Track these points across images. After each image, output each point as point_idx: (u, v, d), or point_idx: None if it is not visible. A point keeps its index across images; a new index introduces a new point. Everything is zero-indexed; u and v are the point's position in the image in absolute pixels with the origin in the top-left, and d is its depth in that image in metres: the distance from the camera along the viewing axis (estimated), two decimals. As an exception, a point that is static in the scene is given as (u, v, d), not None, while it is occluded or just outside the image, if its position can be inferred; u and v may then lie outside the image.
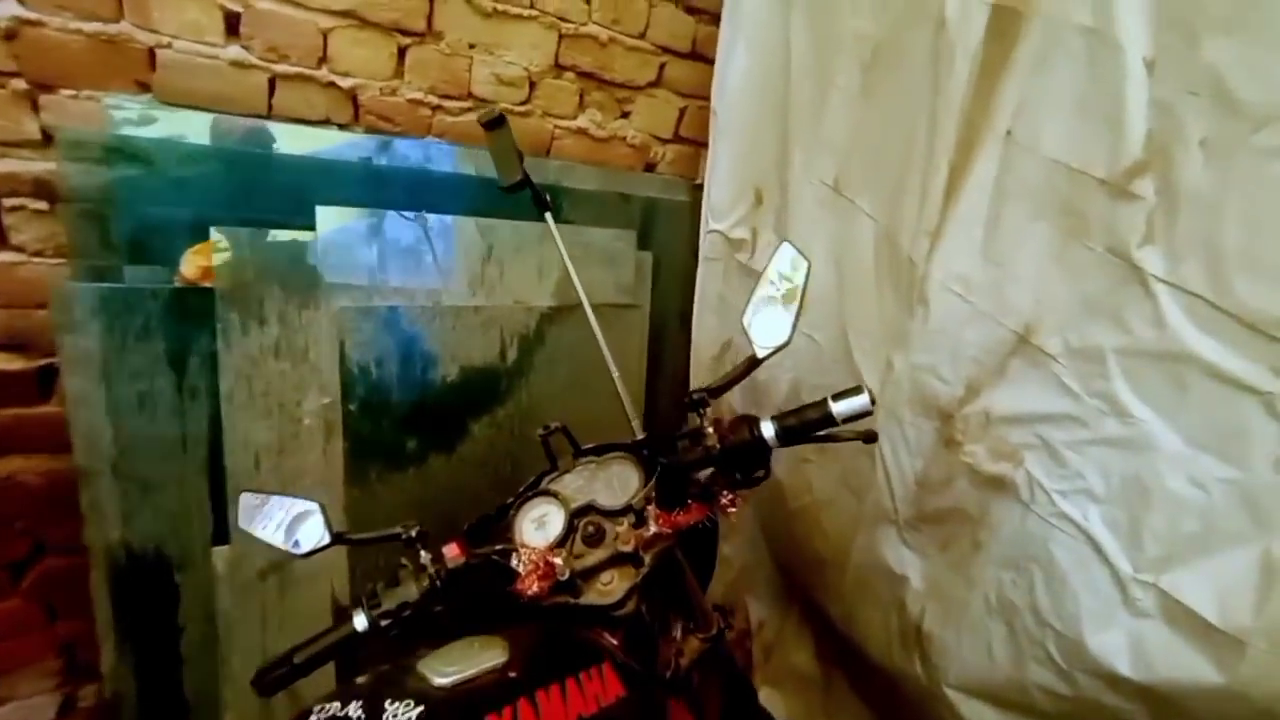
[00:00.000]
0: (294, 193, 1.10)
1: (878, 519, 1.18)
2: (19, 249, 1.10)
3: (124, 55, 1.08)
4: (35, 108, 1.05)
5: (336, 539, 0.75)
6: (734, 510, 0.83)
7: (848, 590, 1.29)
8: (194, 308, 1.04)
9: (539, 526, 0.82)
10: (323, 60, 1.21)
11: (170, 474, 1.09)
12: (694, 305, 1.60)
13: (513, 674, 0.65)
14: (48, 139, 1.06)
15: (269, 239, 1.07)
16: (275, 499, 0.79)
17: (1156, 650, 0.82)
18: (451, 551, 0.77)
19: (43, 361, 1.17)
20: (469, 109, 1.35)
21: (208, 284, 1.04)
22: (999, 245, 0.95)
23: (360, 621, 0.69)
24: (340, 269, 1.13)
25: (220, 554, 1.14)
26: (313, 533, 0.77)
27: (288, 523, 0.79)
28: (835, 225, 1.21)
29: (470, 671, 0.65)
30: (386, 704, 0.60)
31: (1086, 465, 0.89)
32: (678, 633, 0.93)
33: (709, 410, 0.82)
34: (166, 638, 1.18)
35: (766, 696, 1.46)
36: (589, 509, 0.81)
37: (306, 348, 1.12)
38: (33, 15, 1.01)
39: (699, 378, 1.66)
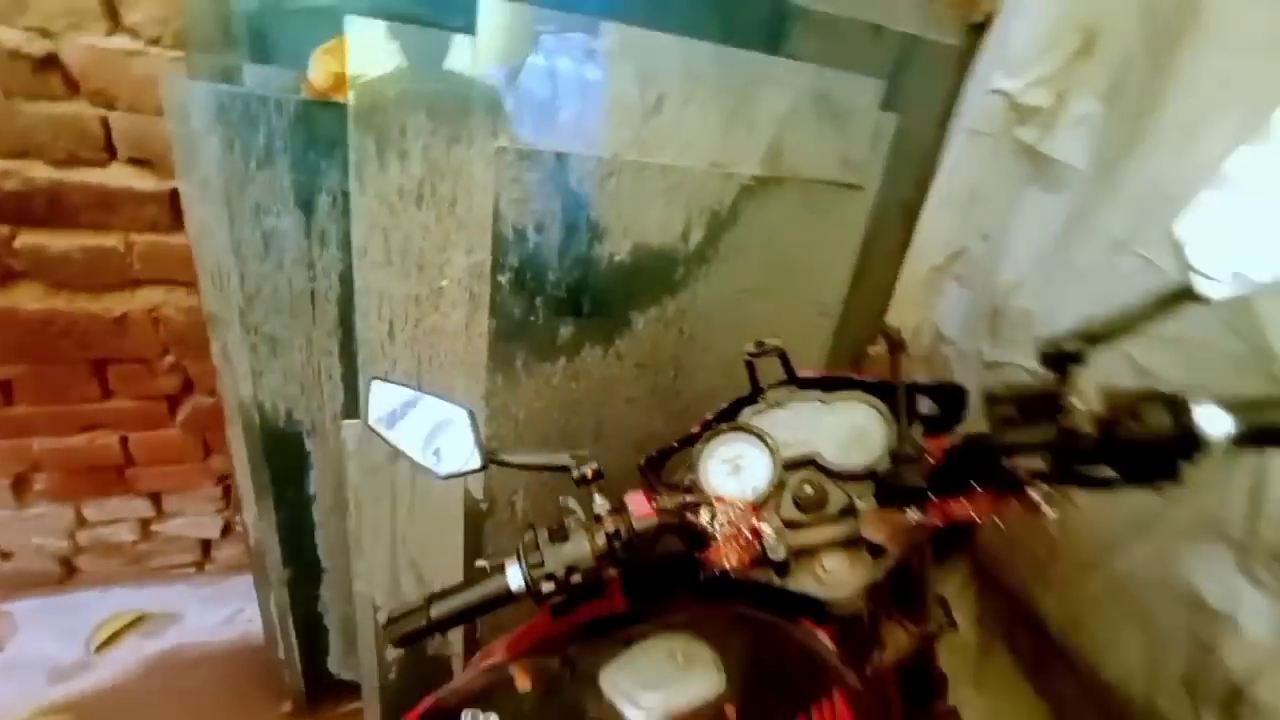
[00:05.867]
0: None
1: (1197, 529, 0.82)
2: (133, 33, 0.91)
3: None
4: None
5: (489, 460, 0.60)
6: (1049, 515, 0.53)
7: (1085, 599, 0.97)
8: (324, 128, 0.82)
9: (733, 472, 0.64)
10: None
11: (300, 333, 0.94)
12: (930, 192, 1.20)
13: (730, 706, 0.48)
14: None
15: (415, 38, 0.80)
16: (414, 395, 0.63)
17: None
18: (640, 507, 0.57)
19: (174, 183, 1.03)
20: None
21: (339, 98, 0.81)
22: None
23: (516, 580, 0.53)
24: (503, 93, 0.85)
25: (350, 428, 1.00)
26: (459, 448, 0.61)
27: (429, 430, 0.63)
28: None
29: (680, 703, 0.48)
30: None
31: None
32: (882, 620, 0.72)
33: (1076, 371, 0.49)
34: (301, 501, 1.10)
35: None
36: (808, 462, 0.64)
37: (455, 197, 0.88)
38: None
39: (907, 293, 1.29)
